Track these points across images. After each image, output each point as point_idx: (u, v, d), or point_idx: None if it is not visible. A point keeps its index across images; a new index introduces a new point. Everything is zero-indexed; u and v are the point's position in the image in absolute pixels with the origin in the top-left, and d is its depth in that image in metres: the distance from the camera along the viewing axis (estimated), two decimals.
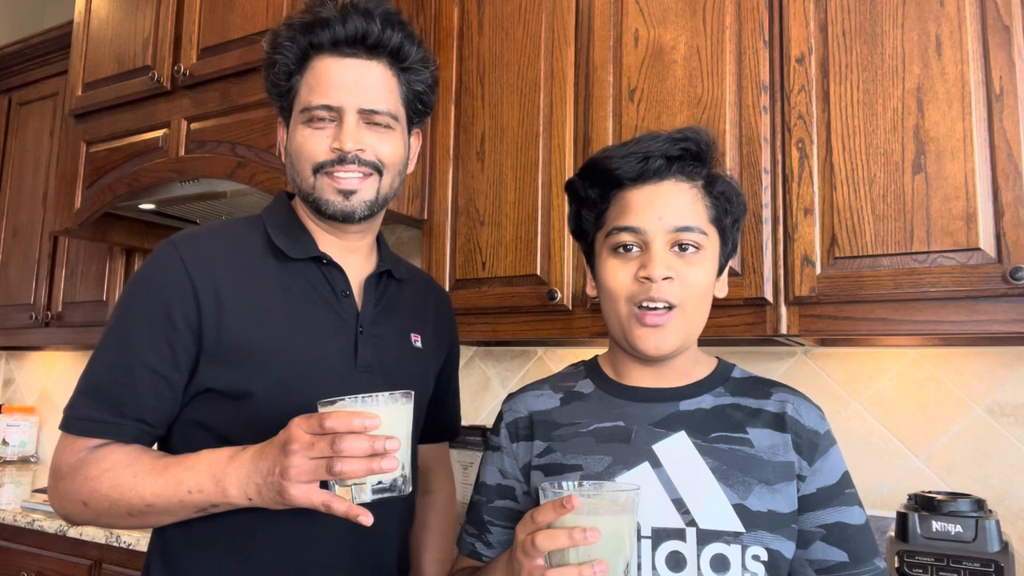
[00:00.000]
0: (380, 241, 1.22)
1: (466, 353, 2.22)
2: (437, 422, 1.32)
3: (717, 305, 1.04)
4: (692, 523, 0.91)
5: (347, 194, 1.07)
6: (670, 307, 0.94)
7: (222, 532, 1.01)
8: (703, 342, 1.07)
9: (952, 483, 1.60)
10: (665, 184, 0.97)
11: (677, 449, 0.95)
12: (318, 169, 1.07)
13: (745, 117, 1.51)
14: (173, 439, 1.06)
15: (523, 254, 1.74)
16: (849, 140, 1.42)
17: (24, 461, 3.20)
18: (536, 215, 1.73)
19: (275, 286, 1.07)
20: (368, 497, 0.85)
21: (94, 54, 2.34)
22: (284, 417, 0.89)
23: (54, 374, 3.33)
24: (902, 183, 1.37)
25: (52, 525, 2.08)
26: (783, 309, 1.46)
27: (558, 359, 2.11)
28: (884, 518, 1.44)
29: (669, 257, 0.95)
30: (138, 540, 1.92)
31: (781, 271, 1.47)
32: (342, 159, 1.06)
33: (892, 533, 1.35)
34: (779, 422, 0.97)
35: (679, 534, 0.91)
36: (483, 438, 1.87)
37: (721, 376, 1.02)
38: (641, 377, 1.02)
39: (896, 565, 1.31)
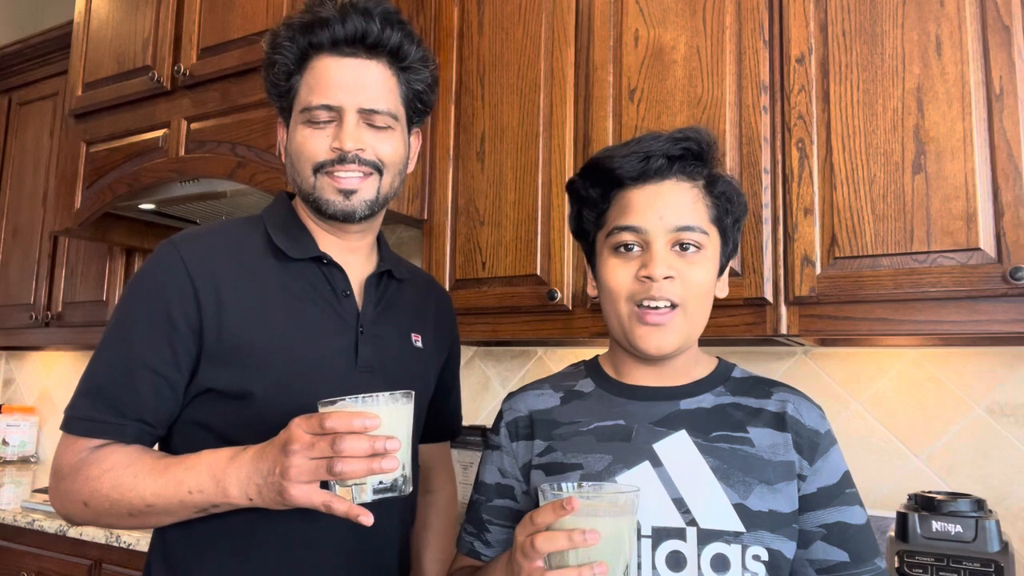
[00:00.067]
0: (381, 241, 1.22)
1: (466, 353, 2.22)
2: (438, 422, 1.32)
3: (717, 305, 1.04)
4: (692, 522, 0.91)
5: (347, 194, 1.07)
6: (673, 306, 0.95)
7: (223, 532, 1.01)
8: (703, 342, 1.07)
9: (952, 483, 1.60)
10: (666, 184, 0.97)
11: (678, 448, 0.95)
12: (318, 169, 1.07)
13: (745, 117, 1.51)
14: (174, 439, 1.06)
15: (523, 254, 1.74)
16: (849, 140, 1.42)
17: (24, 461, 3.20)
18: (536, 215, 1.73)
19: (275, 286, 1.07)
20: (369, 497, 0.85)
21: (94, 54, 2.34)
22: (284, 417, 0.89)
23: (54, 374, 3.33)
24: (902, 183, 1.37)
25: (52, 525, 2.08)
26: (783, 309, 1.46)
27: (558, 359, 2.11)
28: (884, 518, 1.44)
29: (670, 256, 0.95)
30: (138, 540, 1.92)
31: (781, 271, 1.47)
32: (342, 159, 1.06)
33: (892, 533, 1.35)
34: (780, 422, 0.97)
35: (679, 533, 0.91)
36: (483, 438, 1.87)
37: (722, 375, 1.02)
38: (642, 376, 1.02)
39: (896, 565, 1.31)
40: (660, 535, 0.91)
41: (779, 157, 1.49)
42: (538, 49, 1.78)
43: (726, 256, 1.03)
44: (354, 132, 1.06)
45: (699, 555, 0.90)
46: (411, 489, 0.89)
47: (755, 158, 1.49)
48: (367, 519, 0.83)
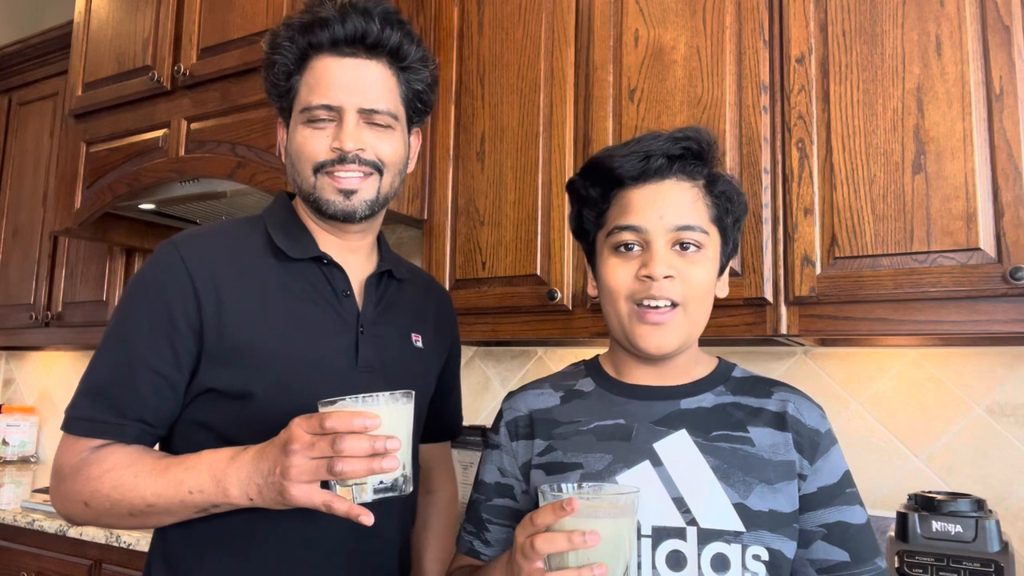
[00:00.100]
0: (381, 241, 1.22)
1: (466, 353, 2.22)
2: (439, 422, 1.32)
3: (717, 305, 1.04)
4: (693, 522, 0.91)
5: (348, 194, 1.07)
6: (673, 305, 0.95)
7: (223, 532, 1.01)
8: (703, 342, 1.07)
9: (952, 483, 1.60)
10: (666, 183, 0.98)
11: (678, 447, 0.95)
12: (319, 169, 1.07)
13: (745, 117, 1.51)
14: (174, 439, 1.06)
15: (523, 254, 1.74)
16: (849, 140, 1.42)
17: (24, 461, 3.20)
18: (536, 215, 1.73)
19: (276, 286, 1.07)
20: (369, 497, 0.85)
21: (94, 54, 2.34)
22: (285, 417, 0.89)
23: (54, 374, 3.33)
24: (902, 183, 1.37)
25: (52, 525, 2.08)
26: (783, 309, 1.46)
27: (558, 359, 2.11)
28: (884, 518, 1.44)
29: (670, 256, 0.95)
30: (138, 540, 1.92)
31: (781, 271, 1.47)
32: (342, 159, 1.06)
33: (892, 533, 1.35)
34: (780, 421, 0.97)
35: (679, 533, 0.91)
36: (483, 438, 1.86)
37: (722, 375, 1.02)
38: (642, 375, 1.02)
39: (896, 565, 1.31)
40: (660, 534, 0.91)
41: (779, 157, 1.49)
42: (538, 49, 1.78)
43: (726, 256, 1.03)
44: (354, 132, 1.06)
45: (699, 555, 0.90)
46: (411, 489, 0.89)
47: (755, 158, 1.49)
48: (368, 519, 0.83)
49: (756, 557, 0.90)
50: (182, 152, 2.08)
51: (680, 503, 0.92)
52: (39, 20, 3.72)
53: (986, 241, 1.29)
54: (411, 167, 1.18)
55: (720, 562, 0.89)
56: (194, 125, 2.08)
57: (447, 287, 1.83)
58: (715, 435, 0.96)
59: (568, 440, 0.99)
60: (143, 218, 2.55)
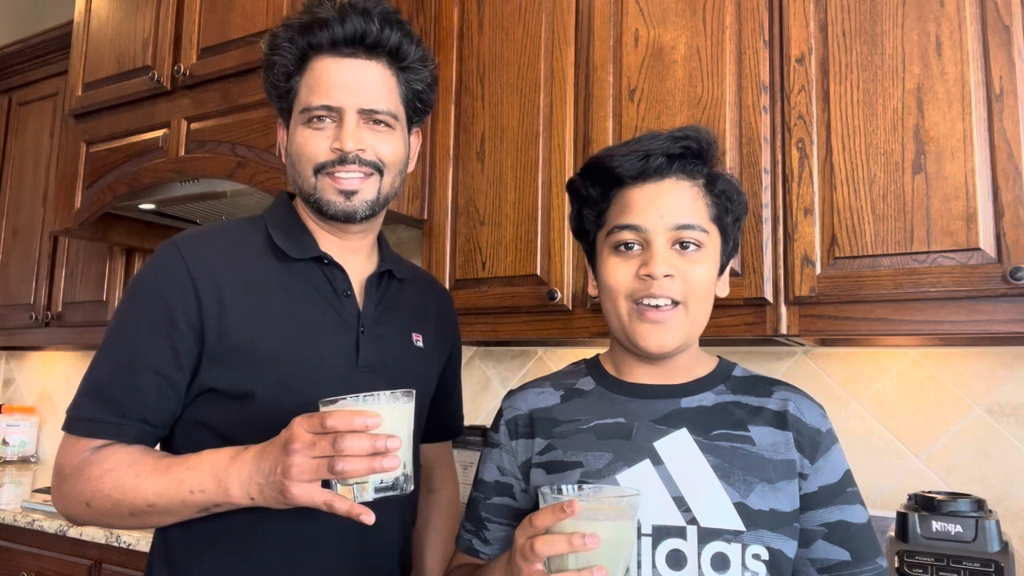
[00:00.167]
0: (381, 241, 1.22)
1: (466, 353, 2.22)
2: (440, 421, 1.32)
3: (717, 305, 1.04)
4: (693, 521, 0.91)
5: (348, 194, 1.07)
6: (674, 304, 0.95)
7: (224, 532, 1.01)
8: (703, 342, 1.07)
9: (952, 483, 1.60)
10: (666, 182, 0.98)
11: (678, 446, 0.95)
12: (319, 170, 1.07)
13: (745, 117, 1.51)
14: (175, 439, 1.06)
15: (523, 254, 1.74)
16: (849, 140, 1.42)
17: (24, 461, 3.20)
18: (536, 215, 1.73)
19: (276, 286, 1.07)
20: (370, 496, 0.85)
21: (94, 54, 2.34)
22: (286, 417, 0.89)
23: (54, 374, 3.33)
24: (902, 183, 1.37)
25: (52, 525, 2.08)
26: (783, 309, 1.46)
27: (558, 359, 2.11)
28: (884, 518, 1.44)
29: (670, 255, 0.95)
30: (138, 540, 1.92)
31: (781, 271, 1.47)
32: (343, 159, 1.06)
33: (892, 533, 1.35)
34: (781, 420, 0.97)
35: (680, 532, 0.91)
36: (483, 438, 1.86)
37: (723, 374, 1.03)
38: (643, 374, 1.02)
39: (896, 565, 1.31)
40: (660, 533, 0.91)
41: (779, 157, 1.49)
42: (538, 49, 1.79)
43: (727, 255, 1.03)
44: (354, 132, 1.06)
45: (699, 554, 0.90)
46: (412, 488, 0.89)
47: (755, 158, 1.49)
48: (368, 518, 0.84)
49: (756, 556, 0.90)
50: (182, 152, 2.08)
51: (680, 502, 0.92)
52: (39, 20, 3.72)
53: (986, 241, 1.29)
54: (411, 167, 1.19)
55: (720, 561, 0.90)
56: (194, 125, 2.08)
57: (447, 287, 1.83)
58: (716, 434, 0.96)
59: (568, 439, 0.99)
60: (143, 218, 2.55)
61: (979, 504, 1.32)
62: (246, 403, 1.02)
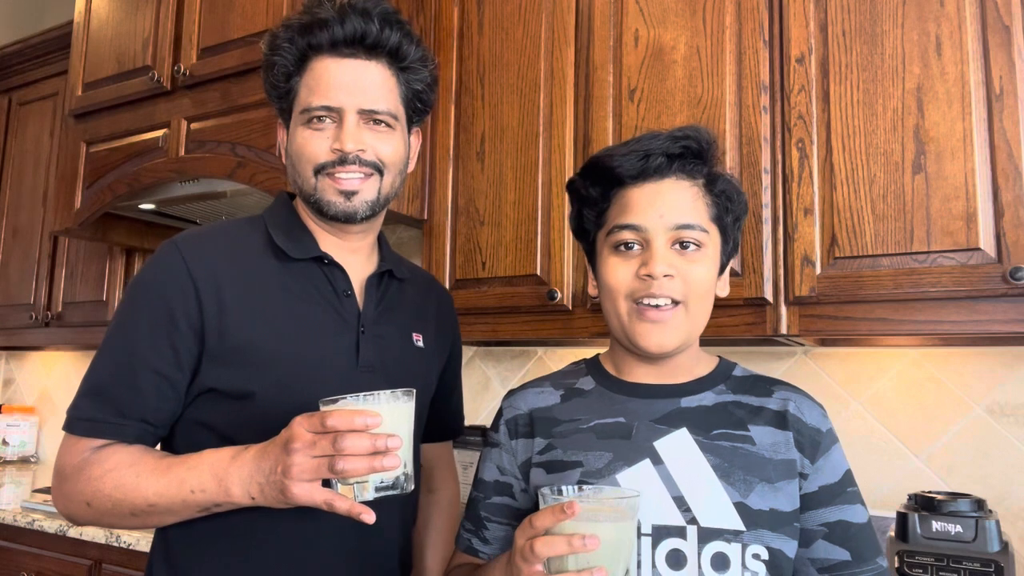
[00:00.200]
0: (381, 241, 1.22)
1: (466, 353, 2.22)
2: (440, 421, 1.32)
3: (717, 305, 1.04)
4: (693, 521, 0.91)
5: (348, 195, 1.07)
6: (675, 303, 0.95)
7: (224, 532, 1.01)
8: (703, 342, 1.07)
9: (952, 483, 1.60)
10: (666, 182, 0.98)
11: (678, 446, 0.95)
12: (319, 170, 1.07)
13: (745, 117, 1.52)
14: (176, 439, 1.06)
15: (523, 254, 1.74)
16: (849, 140, 1.42)
17: (24, 461, 3.20)
18: (536, 215, 1.73)
19: (277, 286, 1.07)
20: (371, 495, 0.85)
21: (94, 54, 2.34)
22: (286, 416, 0.89)
23: (54, 374, 3.33)
24: (902, 183, 1.37)
25: (52, 525, 2.08)
26: (783, 309, 1.46)
27: (558, 359, 2.11)
28: (884, 518, 1.44)
29: (670, 255, 0.95)
30: (138, 540, 1.92)
31: (781, 271, 1.47)
32: (343, 160, 1.06)
33: (892, 533, 1.35)
34: (781, 420, 0.97)
35: (680, 532, 0.91)
36: (483, 438, 1.86)
37: (723, 374, 1.03)
38: (643, 374, 1.02)
39: (896, 565, 1.31)
40: (660, 533, 0.91)
41: (779, 157, 1.49)
42: (538, 49, 1.79)
43: (727, 255, 1.03)
44: (354, 133, 1.06)
45: (699, 554, 0.90)
46: (413, 487, 0.89)
47: (755, 158, 1.49)
48: (369, 517, 0.84)
49: (756, 556, 0.90)
50: (182, 152, 2.08)
51: (680, 502, 0.92)
52: (39, 20, 3.72)
53: (986, 241, 1.29)
54: (411, 167, 1.19)
55: (720, 561, 0.90)
56: (194, 125, 2.08)
57: (447, 287, 1.83)
58: (716, 434, 0.96)
59: (568, 438, 1.00)
60: (143, 218, 2.55)
61: (979, 504, 1.32)
62: (246, 403, 1.02)
